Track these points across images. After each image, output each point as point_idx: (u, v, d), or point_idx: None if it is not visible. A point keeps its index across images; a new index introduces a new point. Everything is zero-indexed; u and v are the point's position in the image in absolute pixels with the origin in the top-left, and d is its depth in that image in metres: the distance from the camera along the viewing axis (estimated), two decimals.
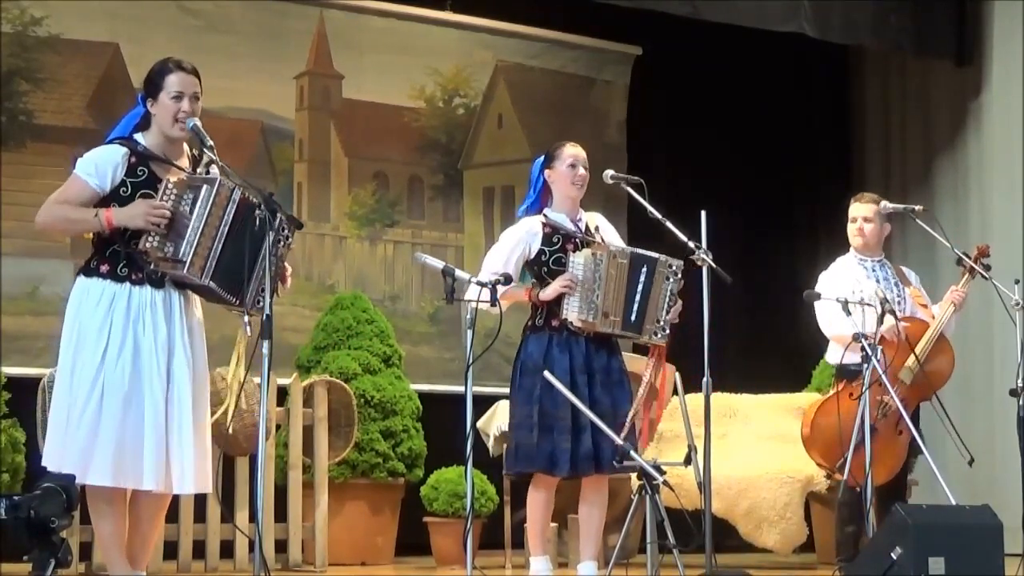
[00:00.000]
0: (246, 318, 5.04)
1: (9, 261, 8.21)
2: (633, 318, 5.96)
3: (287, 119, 9.40)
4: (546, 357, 5.95)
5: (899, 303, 7.05)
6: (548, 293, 5.96)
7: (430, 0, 9.77)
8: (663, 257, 6.00)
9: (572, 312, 5.91)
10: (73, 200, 5.00)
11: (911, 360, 6.75)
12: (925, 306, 7.05)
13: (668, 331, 5.99)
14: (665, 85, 10.35)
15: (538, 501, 6.06)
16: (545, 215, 6.10)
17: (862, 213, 7.15)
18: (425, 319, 9.70)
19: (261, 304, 5.02)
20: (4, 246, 8.18)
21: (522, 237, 6.05)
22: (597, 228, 6.16)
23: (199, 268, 4.94)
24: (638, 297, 5.95)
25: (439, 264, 5.61)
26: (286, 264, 5.17)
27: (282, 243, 5.07)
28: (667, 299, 5.98)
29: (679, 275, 6.00)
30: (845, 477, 6.43)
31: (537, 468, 5.97)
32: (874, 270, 7.12)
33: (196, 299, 5.19)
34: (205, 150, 5.03)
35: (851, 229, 7.17)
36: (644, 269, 5.97)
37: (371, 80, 9.67)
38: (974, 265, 6.93)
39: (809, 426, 6.87)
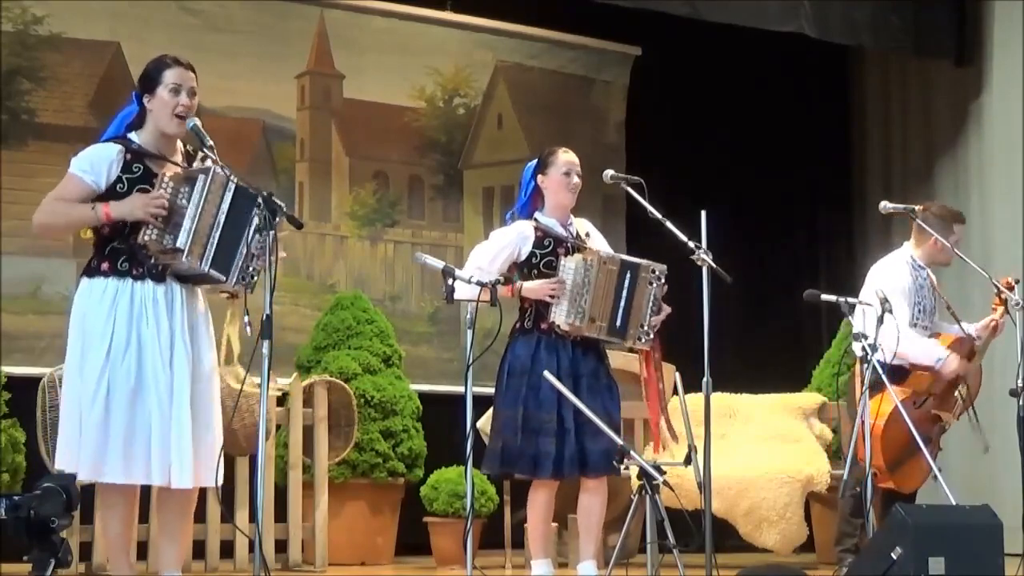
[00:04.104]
0: (247, 318, 5.05)
1: (12, 260, 8.22)
2: (618, 324, 5.99)
3: (288, 119, 9.41)
4: (533, 359, 5.97)
5: (933, 315, 7.12)
6: (532, 289, 5.98)
7: (430, 0, 9.78)
8: (646, 262, 6.03)
9: (560, 316, 5.94)
10: (69, 198, 5.01)
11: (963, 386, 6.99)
12: (958, 320, 7.14)
13: (652, 336, 6.02)
14: (664, 85, 10.35)
15: (539, 504, 6.08)
16: (536, 219, 6.12)
17: (961, 236, 7.20)
18: (425, 319, 9.71)
19: (246, 281, 5.03)
20: (7, 245, 8.18)
21: (513, 239, 6.07)
22: (587, 235, 6.19)
23: (198, 256, 4.95)
24: (623, 303, 5.98)
25: (439, 264, 5.62)
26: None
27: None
28: (650, 304, 6.00)
29: (662, 280, 6.02)
30: (846, 473, 6.44)
31: (519, 471, 6.00)
32: (925, 279, 7.16)
33: (199, 292, 5.20)
34: (205, 150, 5.04)
35: (947, 249, 7.13)
36: (628, 275, 6.00)
37: (372, 80, 9.68)
38: (1009, 297, 6.98)
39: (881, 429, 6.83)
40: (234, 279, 5.05)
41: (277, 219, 4.96)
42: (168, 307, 5.05)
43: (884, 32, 9.52)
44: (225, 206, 4.99)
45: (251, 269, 5.05)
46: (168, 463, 4.96)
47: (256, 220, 4.92)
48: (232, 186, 5.01)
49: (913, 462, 6.72)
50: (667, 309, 6.04)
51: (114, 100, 8.39)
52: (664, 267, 6.03)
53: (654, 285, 6.01)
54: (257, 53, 9.21)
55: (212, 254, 4.97)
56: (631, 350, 6.19)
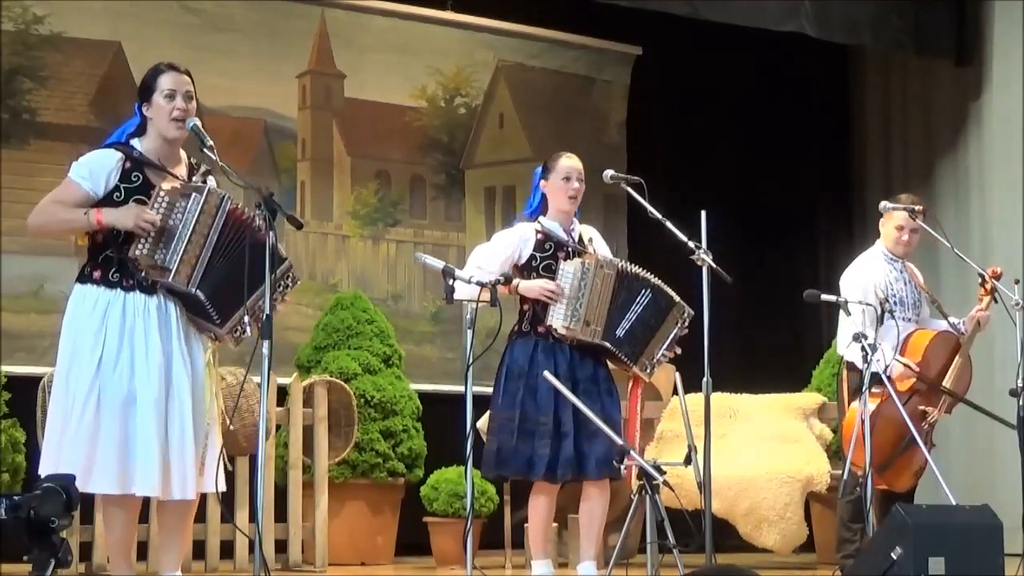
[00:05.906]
0: (246, 318, 5.03)
1: (14, 260, 8.22)
2: (620, 334, 6.00)
3: (290, 118, 9.42)
4: (531, 362, 5.98)
5: (916, 308, 7.08)
6: (528, 287, 5.99)
7: (431, 0, 9.78)
8: (681, 301, 6.06)
9: (557, 319, 5.94)
10: (66, 202, 4.99)
11: (948, 377, 6.89)
12: (945, 315, 7.08)
13: (656, 369, 6.11)
14: (665, 85, 10.36)
15: (539, 506, 6.09)
16: (540, 222, 6.13)
17: (911, 225, 7.04)
18: (427, 319, 9.71)
19: (239, 333, 5.02)
20: (9, 244, 8.19)
21: (513, 241, 6.09)
22: (591, 240, 6.20)
23: (185, 276, 4.91)
24: (633, 317, 6.00)
25: (439, 264, 5.63)
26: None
27: (281, 288, 5.05)
28: (670, 341, 6.05)
29: (687, 323, 6.06)
30: (846, 473, 6.45)
31: (513, 472, 6.02)
32: (901, 272, 7.12)
33: None
34: (204, 150, 5.02)
35: (897, 236, 7.04)
36: (649, 295, 6.02)
37: (373, 79, 9.69)
38: (996, 287, 6.91)
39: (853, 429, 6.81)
40: (227, 328, 5.02)
41: (277, 218, 4.95)
42: (162, 319, 5.00)
43: (884, 32, 9.52)
44: (218, 228, 4.95)
45: (246, 323, 5.01)
46: (159, 475, 4.91)
47: (269, 276, 4.85)
48: (226, 207, 4.97)
49: (901, 461, 6.73)
50: (678, 350, 6.10)
51: (115, 99, 8.44)
52: (692, 312, 6.06)
53: (678, 325, 6.06)
54: (258, 52, 9.22)
55: (200, 276, 4.93)
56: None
